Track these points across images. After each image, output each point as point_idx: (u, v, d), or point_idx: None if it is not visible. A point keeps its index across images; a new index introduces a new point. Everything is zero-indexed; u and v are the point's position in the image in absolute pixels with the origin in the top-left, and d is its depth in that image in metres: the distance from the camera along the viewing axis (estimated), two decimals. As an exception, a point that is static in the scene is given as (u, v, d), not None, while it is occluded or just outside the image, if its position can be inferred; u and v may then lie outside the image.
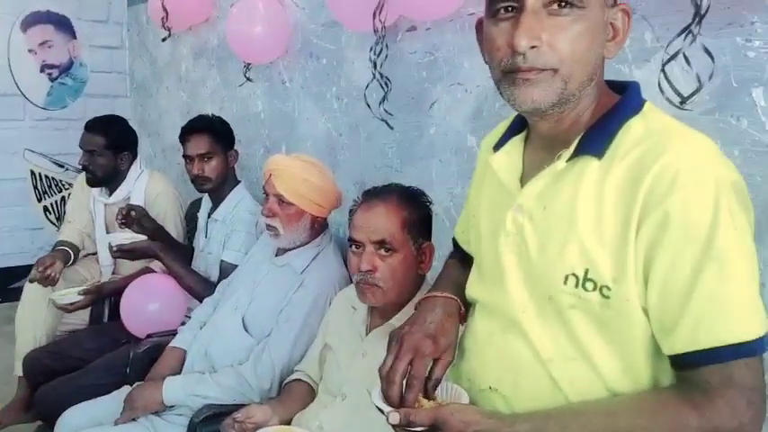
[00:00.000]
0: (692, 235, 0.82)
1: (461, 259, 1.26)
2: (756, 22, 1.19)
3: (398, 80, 2.03)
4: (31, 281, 2.52)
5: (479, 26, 1.00)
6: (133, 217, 2.42)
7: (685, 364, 0.85)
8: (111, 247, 2.42)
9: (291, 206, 1.87)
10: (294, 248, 1.95)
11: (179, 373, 1.97)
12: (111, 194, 2.74)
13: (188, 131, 2.41)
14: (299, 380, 1.74)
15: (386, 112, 2.03)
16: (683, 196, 0.82)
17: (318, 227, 1.96)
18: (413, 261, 1.48)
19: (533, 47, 0.86)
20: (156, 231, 2.50)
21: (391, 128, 2.05)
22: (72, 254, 2.71)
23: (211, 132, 2.38)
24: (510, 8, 0.88)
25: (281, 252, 1.99)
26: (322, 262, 1.92)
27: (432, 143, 1.98)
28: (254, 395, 1.79)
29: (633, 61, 1.35)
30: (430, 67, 1.95)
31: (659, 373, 0.90)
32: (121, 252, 2.38)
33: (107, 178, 2.69)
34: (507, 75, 0.90)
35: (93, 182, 2.70)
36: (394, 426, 0.93)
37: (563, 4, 0.86)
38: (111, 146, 2.64)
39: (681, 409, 0.83)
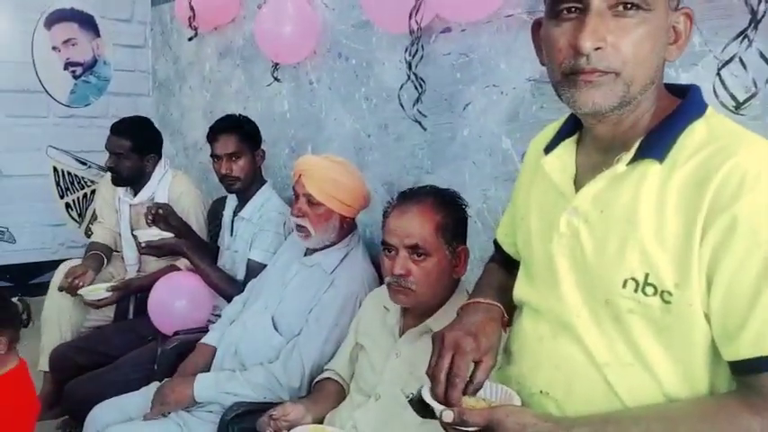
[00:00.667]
0: (759, 241, 0.81)
1: (503, 263, 1.25)
2: (809, 26, 1.18)
3: (432, 81, 2.03)
4: (60, 289, 2.54)
5: (537, 27, 0.99)
6: (161, 215, 2.44)
7: (748, 370, 0.84)
8: (138, 243, 2.44)
9: (321, 206, 1.87)
10: (323, 248, 1.95)
11: (208, 369, 1.98)
12: (135, 195, 2.76)
13: (217, 131, 2.42)
14: (330, 378, 1.74)
15: (419, 113, 2.02)
16: (751, 200, 0.81)
17: (347, 227, 1.96)
18: (447, 265, 1.47)
19: (597, 48, 0.85)
20: (182, 229, 2.52)
21: (425, 129, 2.05)
22: (105, 258, 2.75)
23: (239, 132, 2.39)
24: (574, 9, 0.88)
25: (309, 252, 2.00)
26: (351, 262, 1.93)
27: (465, 145, 1.97)
28: (283, 393, 1.79)
29: (681, 65, 1.34)
30: (464, 69, 1.94)
31: (717, 380, 0.89)
32: (149, 248, 2.40)
33: (132, 179, 2.71)
34: (568, 76, 0.89)
35: (118, 182, 2.73)
36: (446, 424, 0.93)
37: (629, 5, 0.85)
38: (137, 149, 2.66)
39: (742, 415, 0.83)
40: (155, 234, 2.42)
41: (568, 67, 0.88)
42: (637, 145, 0.91)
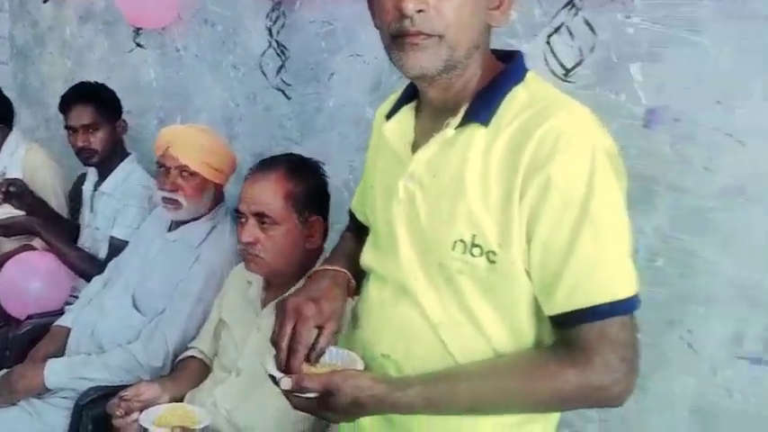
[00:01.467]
0: (570, 199, 0.85)
1: (357, 231, 1.25)
2: (636, -1, 1.25)
3: (297, 50, 1.99)
4: None
5: (370, -10, 0.98)
6: (12, 192, 2.26)
7: (564, 323, 0.88)
8: None
9: (196, 177, 1.81)
10: (188, 222, 1.88)
11: (62, 354, 1.86)
12: None
13: (70, 100, 2.26)
14: (193, 357, 1.69)
15: (283, 82, 1.98)
16: (562, 161, 0.85)
17: (216, 198, 1.89)
18: (298, 235, 1.46)
19: (420, 11, 0.86)
20: (36, 207, 2.34)
21: (289, 98, 2.01)
22: None
23: (96, 101, 2.24)
24: None
25: (174, 226, 1.92)
26: (218, 236, 1.87)
27: (331, 115, 1.96)
28: (144, 374, 1.72)
29: (523, 36, 1.38)
30: (328, 38, 1.91)
31: (542, 335, 0.94)
32: None
33: None
34: (396, 39, 0.90)
35: None
36: (286, 392, 0.92)
37: None
38: None
39: (560, 367, 0.87)
40: (3, 213, 2.23)
41: (395, 29, 0.89)
42: (464, 109, 0.93)
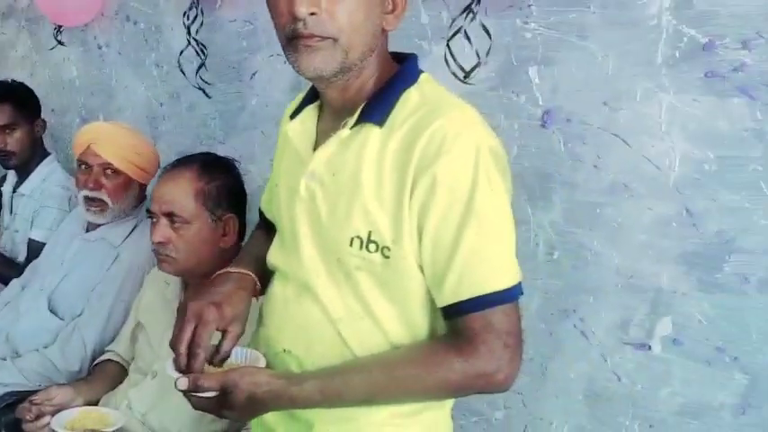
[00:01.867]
0: (455, 196, 0.89)
1: (266, 230, 1.27)
2: (533, 5, 1.30)
3: (218, 48, 1.98)
4: None
5: (269, -8, 1.00)
6: None
7: (453, 314, 0.92)
8: None
9: (120, 175, 1.78)
10: (109, 222, 1.85)
11: None
12: None
13: None
14: (110, 360, 1.67)
15: (203, 80, 1.98)
16: (447, 159, 0.88)
17: (139, 197, 1.87)
18: (210, 233, 1.45)
19: (312, 13, 0.88)
20: None
21: (209, 97, 2.01)
22: None
23: (13, 101, 2.19)
24: None
25: (92, 227, 1.88)
26: (139, 235, 1.85)
27: (253, 114, 1.96)
28: (61, 378, 1.70)
29: (432, 37, 1.42)
30: (250, 36, 1.92)
31: (436, 327, 0.97)
32: None
33: None
34: (291, 41, 0.91)
35: None
36: (184, 392, 0.93)
37: None
38: None
39: (448, 356, 0.91)
40: None
41: (289, 31, 0.90)
42: (359, 110, 0.96)
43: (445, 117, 0.91)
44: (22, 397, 1.66)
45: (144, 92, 2.32)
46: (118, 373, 1.64)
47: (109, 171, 1.77)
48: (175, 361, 0.97)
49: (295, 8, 0.88)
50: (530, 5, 1.29)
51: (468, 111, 0.96)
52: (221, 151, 2.03)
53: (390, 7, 0.96)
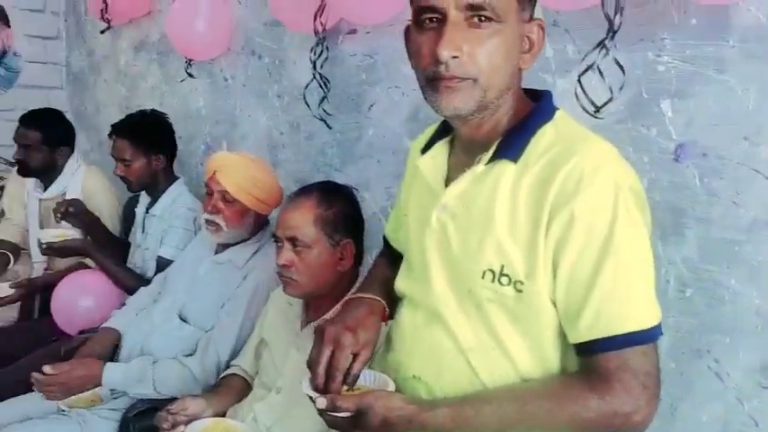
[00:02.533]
0: (593, 233, 0.89)
1: (390, 258, 1.31)
2: (666, 38, 1.29)
3: (338, 81, 2.07)
4: None
5: (408, 33, 1.05)
6: (71, 212, 2.39)
7: (588, 351, 0.92)
8: (40, 244, 2.37)
9: (236, 203, 1.88)
10: (234, 245, 1.96)
11: (108, 355, 1.95)
12: (46, 189, 2.68)
13: (113, 132, 2.39)
14: (235, 374, 1.76)
15: (325, 112, 2.07)
16: (586, 197, 0.89)
17: (260, 224, 1.98)
18: (329, 257, 1.51)
19: (455, 57, 0.92)
20: (92, 226, 2.47)
21: (330, 127, 2.09)
22: (11, 256, 2.65)
23: (132, 138, 2.33)
24: (434, 19, 0.94)
25: (220, 249, 2.00)
26: (262, 257, 1.94)
27: (370, 144, 2.03)
28: (196, 389, 1.79)
29: (557, 71, 1.43)
30: (369, 70, 1.99)
31: (567, 362, 0.97)
32: (51, 250, 2.34)
33: (42, 172, 2.63)
34: (431, 82, 0.95)
35: (24, 172, 2.63)
36: (321, 411, 0.97)
37: (482, 18, 0.91)
38: (48, 141, 2.58)
39: (582, 393, 0.90)
40: (56, 234, 2.36)
41: (430, 73, 0.94)
42: (494, 146, 0.98)
43: (583, 153, 0.92)
44: (153, 405, 1.80)
45: (266, 121, 2.45)
46: (242, 387, 1.72)
47: (227, 198, 1.88)
48: (312, 380, 1.03)
49: (438, 52, 0.91)
50: (663, 39, 1.28)
51: (607, 147, 0.96)
52: (338, 178, 2.12)
53: (527, 47, 0.99)
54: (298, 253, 1.49)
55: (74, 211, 2.39)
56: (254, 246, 1.96)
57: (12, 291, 2.39)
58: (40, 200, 2.69)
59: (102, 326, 2.06)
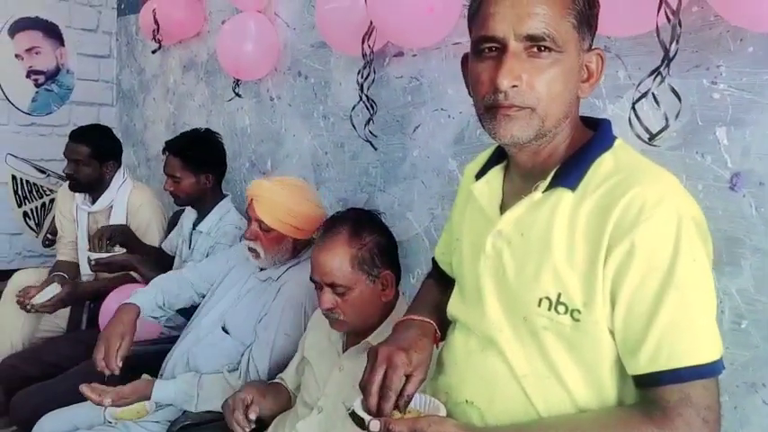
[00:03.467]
0: (654, 264, 0.88)
1: (439, 279, 1.31)
2: (722, 65, 1.28)
3: (384, 103, 2.10)
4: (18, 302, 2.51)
5: (465, 61, 1.06)
6: (113, 240, 2.48)
7: (647, 383, 0.90)
8: (89, 261, 2.45)
9: (272, 231, 1.90)
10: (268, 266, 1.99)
11: (133, 328, 1.94)
12: (94, 202, 2.76)
13: (167, 149, 2.46)
14: (280, 383, 1.77)
15: (371, 133, 2.09)
16: (647, 227, 0.88)
17: (301, 248, 1.98)
18: (371, 293, 1.50)
19: (514, 86, 0.92)
20: (135, 244, 2.55)
21: (375, 149, 2.11)
22: (68, 278, 2.70)
23: (184, 156, 2.40)
24: (494, 48, 0.95)
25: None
26: (298, 270, 1.95)
27: (414, 165, 2.04)
28: None
29: (607, 97, 1.43)
30: (415, 92, 2.02)
31: (624, 393, 0.96)
32: (99, 266, 2.42)
33: (91, 186, 2.72)
34: (489, 110, 0.96)
35: (75, 187, 2.73)
36: None
37: (542, 48, 0.92)
38: (96, 155, 2.67)
39: (641, 425, 0.89)
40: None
41: (489, 101, 0.95)
42: (552, 174, 0.99)
43: (645, 183, 0.92)
44: (197, 421, 1.83)
45: (310, 141, 2.49)
46: (287, 397, 1.74)
47: (263, 227, 1.89)
48: (364, 401, 1.04)
49: (498, 81, 0.92)
50: (718, 66, 1.26)
51: (668, 177, 0.95)
52: (381, 199, 2.14)
53: (586, 76, 0.99)
54: (340, 295, 1.48)
55: (120, 240, 2.49)
56: (292, 262, 1.98)
57: (58, 290, 2.45)
58: (89, 213, 2.77)
59: (123, 303, 2.04)
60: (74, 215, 2.85)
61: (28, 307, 2.46)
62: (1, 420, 2.62)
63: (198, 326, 2.07)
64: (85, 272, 2.78)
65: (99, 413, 1.91)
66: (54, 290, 2.46)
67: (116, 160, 2.77)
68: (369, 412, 1.01)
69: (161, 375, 2.02)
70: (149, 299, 2.04)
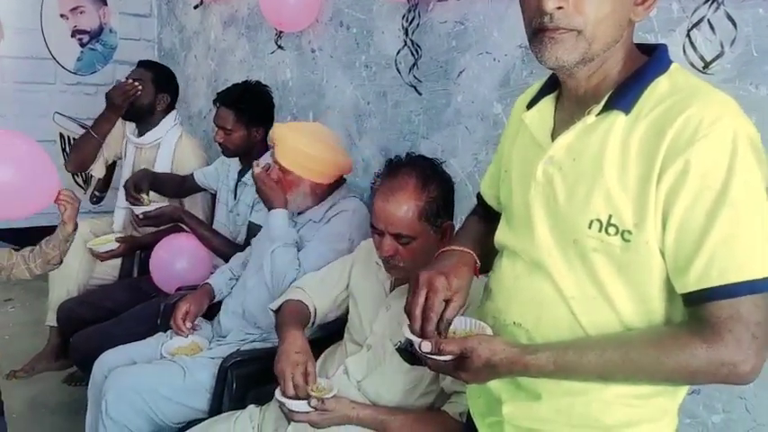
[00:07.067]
0: (708, 182, 0.88)
1: (482, 215, 1.33)
2: (779, -6, 1.25)
3: (428, 49, 2.10)
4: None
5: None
6: (142, 188, 2.53)
7: (697, 300, 0.91)
8: (136, 216, 2.50)
9: (290, 173, 1.95)
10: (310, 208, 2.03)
11: (205, 307, 2.14)
12: (141, 135, 2.83)
13: (219, 101, 2.48)
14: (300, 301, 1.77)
15: (415, 78, 2.10)
16: (703, 146, 0.88)
17: (323, 191, 2.02)
18: (433, 242, 1.51)
19: (559, 8, 0.92)
20: (163, 179, 2.65)
21: (420, 94, 2.12)
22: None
23: (236, 109, 2.42)
24: None
25: (297, 214, 2.07)
26: (339, 207, 2.01)
27: (458, 110, 2.05)
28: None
29: (659, 30, 1.41)
30: (459, 37, 2.01)
31: (672, 314, 0.97)
32: (147, 219, 2.47)
33: (142, 112, 2.76)
34: (536, 33, 0.96)
35: (127, 114, 2.77)
36: (424, 354, 1.02)
37: None
38: (154, 81, 2.74)
39: (690, 341, 0.90)
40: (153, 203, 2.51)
41: (536, 24, 0.96)
42: (606, 98, 0.99)
43: (701, 103, 0.91)
44: (250, 356, 1.91)
45: (352, 91, 2.51)
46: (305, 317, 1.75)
47: (282, 168, 1.96)
48: (410, 325, 1.07)
49: (543, 3, 0.92)
50: (776, -6, 1.24)
51: (725, 97, 0.95)
52: (424, 146, 2.16)
53: None
54: (402, 244, 1.49)
55: (143, 187, 2.54)
56: (329, 202, 2.02)
57: (116, 245, 2.55)
58: (137, 147, 2.84)
59: (203, 283, 2.21)
60: (123, 146, 2.91)
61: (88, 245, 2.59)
62: (56, 362, 2.78)
63: (244, 278, 2.15)
64: (121, 204, 2.84)
65: (156, 350, 2.01)
66: (113, 245, 2.56)
67: (170, 94, 2.82)
68: (415, 335, 1.04)
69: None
70: (222, 280, 2.25)
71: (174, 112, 2.85)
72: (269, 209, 2.00)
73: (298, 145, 1.94)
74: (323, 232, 1.96)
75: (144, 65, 2.80)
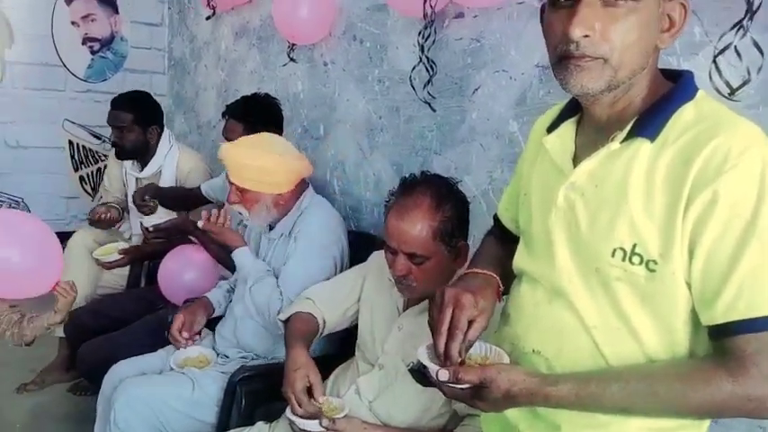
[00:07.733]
0: (737, 213, 0.87)
1: (499, 236, 1.32)
2: (805, 20, 1.23)
3: (443, 65, 2.09)
4: (90, 223, 2.69)
5: (543, 11, 1.05)
6: (152, 202, 2.56)
7: (723, 333, 0.89)
8: (145, 229, 2.49)
9: (247, 191, 1.94)
10: (281, 218, 2.03)
11: (203, 321, 2.13)
12: (142, 169, 2.83)
13: (227, 113, 2.50)
14: (309, 314, 1.75)
15: (429, 95, 2.09)
16: (731, 176, 0.87)
17: (285, 201, 2.00)
18: (447, 262, 1.49)
19: (586, 36, 0.91)
20: (170, 193, 2.65)
21: (434, 110, 2.11)
22: (120, 209, 2.84)
23: (244, 121, 2.43)
24: None
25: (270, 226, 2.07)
26: (307, 216, 2.00)
27: (473, 127, 2.03)
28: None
29: (682, 54, 1.40)
30: (475, 54, 2.00)
31: (696, 346, 0.96)
32: (157, 231, 2.46)
33: (137, 151, 2.78)
34: (561, 60, 0.95)
35: (122, 155, 2.80)
36: (442, 383, 1.00)
37: None
38: (138, 121, 2.72)
39: (716, 375, 0.88)
40: (161, 217, 2.51)
41: (561, 51, 0.94)
42: (630, 125, 0.97)
43: (728, 132, 0.90)
44: (258, 372, 1.89)
45: (364, 105, 2.50)
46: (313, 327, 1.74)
47: (238, 187, 1.95)
48: (429, 348, 1.05)
49: (570, 30, 0.91)
50: (802, 20, 1.22)
51: (752, 126, 0.93)
52: (437, 162, 2.14)
53: (667, 26, 0.97)
54: (415, 263, 1.47)
55: (152, 198, 2.57)
56: (296, 212, 2.02)
57: (120, 256, 2.55)
58: (137, 179, 2.85)
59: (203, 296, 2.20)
60: (123, 180, 2.92)
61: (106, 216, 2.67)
62: (67, 374, 2.76)
63: (233, 304, 2.15)
64: (135, 231, 2.85)
65: (165, 362, 2.00)
66: (116, 256, 2.56)
67: (158, 124, 2.81)
68: (436, 353, 1.01)
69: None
70: (219, 295, 2.25)
71: (166, 133, 2.84)
72: (228, 252, 2.01)
73: (245, 161, 1.91)
74: (298, 252, 1.94)
75: (119, 105, 2.74)
